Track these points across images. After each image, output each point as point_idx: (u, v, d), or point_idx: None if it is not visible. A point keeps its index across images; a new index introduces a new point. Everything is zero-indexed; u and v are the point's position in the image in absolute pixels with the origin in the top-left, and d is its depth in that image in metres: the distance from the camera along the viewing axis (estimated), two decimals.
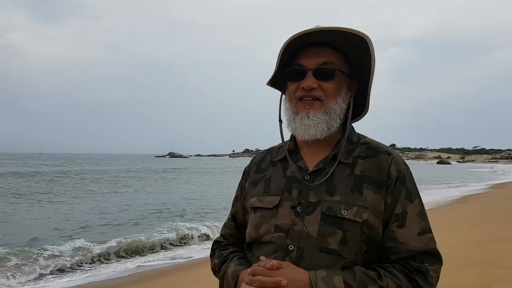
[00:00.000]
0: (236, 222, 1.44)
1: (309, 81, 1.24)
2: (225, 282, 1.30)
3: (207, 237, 10.72)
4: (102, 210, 15.61)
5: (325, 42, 1.26)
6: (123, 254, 8.99)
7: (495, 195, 19.46)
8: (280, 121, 1.35)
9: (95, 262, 8.47)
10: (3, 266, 7.60)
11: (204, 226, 11.47)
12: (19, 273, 7.35)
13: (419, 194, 1.27)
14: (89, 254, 8.67)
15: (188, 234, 10.67)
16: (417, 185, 1.28)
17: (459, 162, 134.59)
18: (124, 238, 9.79)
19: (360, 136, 1.35)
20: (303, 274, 1.12)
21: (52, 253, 8.51)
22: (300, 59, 1.28)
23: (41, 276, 7.48)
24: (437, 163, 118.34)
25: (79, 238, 9.79)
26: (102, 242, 9.40)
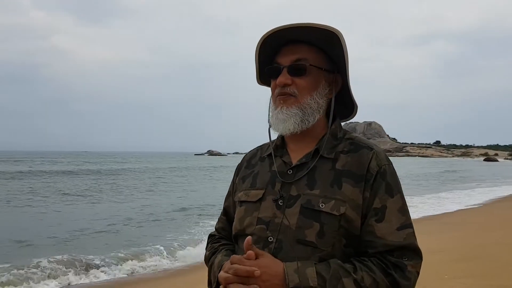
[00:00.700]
0: (228, 216, 1.48)
1: (282, 78, 1.28)
2: (211, 272, 1.35)
3: None
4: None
5: (301, 39, 1.29)
6: None
7: None
8: (270, 125, 1.38)
9: None
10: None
11: None
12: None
13: (401, 190, 1.27)
14: None
15: None
16: (400, 181, 1.29)
17: (507, 159, 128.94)
18: None
19: (346, 132, 1.37)
20: (278, 265, 1.14)
21: None
22: (278, 57, 1.32)
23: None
24: (484, 160, 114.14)
25: None
26: None
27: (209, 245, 1.47)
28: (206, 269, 1.40)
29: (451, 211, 14.23)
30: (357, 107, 1.40)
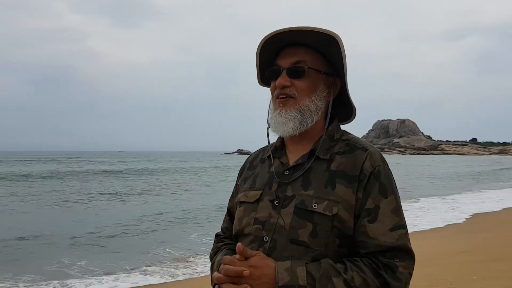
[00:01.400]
0: (231, 216, 1.51)
1: (281, 79, 1.31)
2: (212, 270, 1.39)
3: None
4: None
5: (300, 42, 1.32)
6: None
7: None
8: (268, 125, 1.40)
9: None
10: None
11: None
12: None
13: (395, 191, 1.27)
14: None
15: None
16: (395, 182, 1.30)
17: None
18: None
19: (343, 133, 1.38)
20: (268, 264, 1.17)
21: None
22: (278, 59, 1.35)
23: None
24: None
25: None
26: None
27: (214, 244, 1.51)
28: None
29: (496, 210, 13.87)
30: (355, 110, 1.41)
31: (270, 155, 1.41)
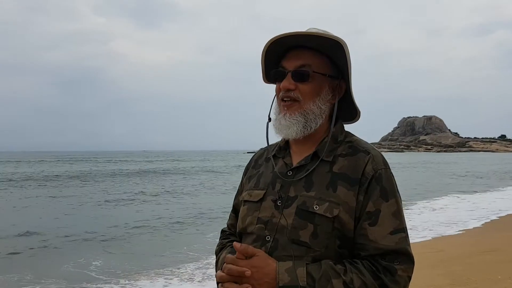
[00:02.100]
0: (237, 213, 1.52)
1: (286, 82, 1.32)
2: (217, 267, 1.42)
3: None
4: None
5: (307, 45, 1.33)
6: None
7: None
8: (269, 119, 1.42)
9: None
10: None
11: None
12: None
13: (396, 194, 1.28)
14: None
15: None
16: (397, 185, 1.31)
17: None
18: None
19: (347, 135, 1.39)
20: (270, 264, 1.19)
21: None
22: (284, 61, 1.36)
23: None
24: None
25: None
26: None
27: (219, 240, 1.54)
28: None
29: None
30: (359, 112, 1.42)
31: (275, 154, 1.43)
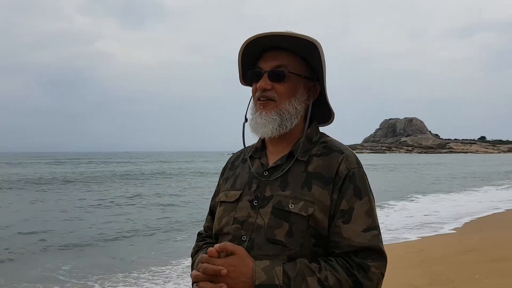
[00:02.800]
0: (213, 215, 1.53)
1: (262, 82, 1.34)
2: (193, 269, 1.41)
3: None
4: None
5: (283, 46, 1.35)
6: None
7: None
8: (246, 119, 1.43)
9: None
10: None
11: None
12: None
13: (369, 193, 1.31)
14: None
15: None
16: (369, 184, 1.33)
17: None
18: None
19: (321, 136, 1.42)
20: (247, 264, 1.19)
21: None
22: (260, 62, 1.38)
23: None
24: None
25: None
26: None
27: (195, 243, 1.54)
28: None
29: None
30: (333, 114, 1.45)
31: (250, 155, 1.44)
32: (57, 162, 70.84)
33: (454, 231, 10.22)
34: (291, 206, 1.26)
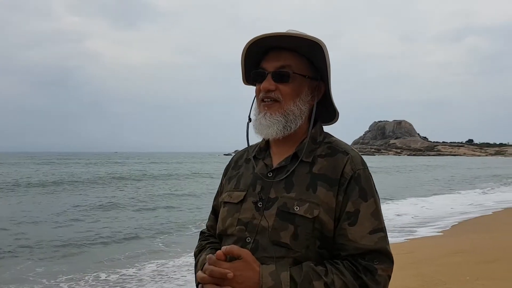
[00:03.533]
0: (216, 215, 1.51)
1: (266, 83, 1.33)
2: (196, 269, 1.40)
3: None
4: None
5: (287, 46, 1.33)
6: None
7: None
8: (249, 119, 1.41)
9: None
10: None
11: None
12: None
13: (375, 194, 1.29)
14: None
15: None
16: (375, 185, 1.32)
17: None
18: None
19: (326, 136, 1.40)
20: (253, 268, 1.17)
21: None
22: (263, 63, 1.36)
23: None
24: None
25: None
26: None
27: (198, 242, 1.52)
28: None
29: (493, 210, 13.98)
30: (338, 113, 1.44)
31: (255, 155, 1.43)
32: (43, 162, 69.76)
33: (442, 233, 10.27)
34: (296, 208, 1.25)
